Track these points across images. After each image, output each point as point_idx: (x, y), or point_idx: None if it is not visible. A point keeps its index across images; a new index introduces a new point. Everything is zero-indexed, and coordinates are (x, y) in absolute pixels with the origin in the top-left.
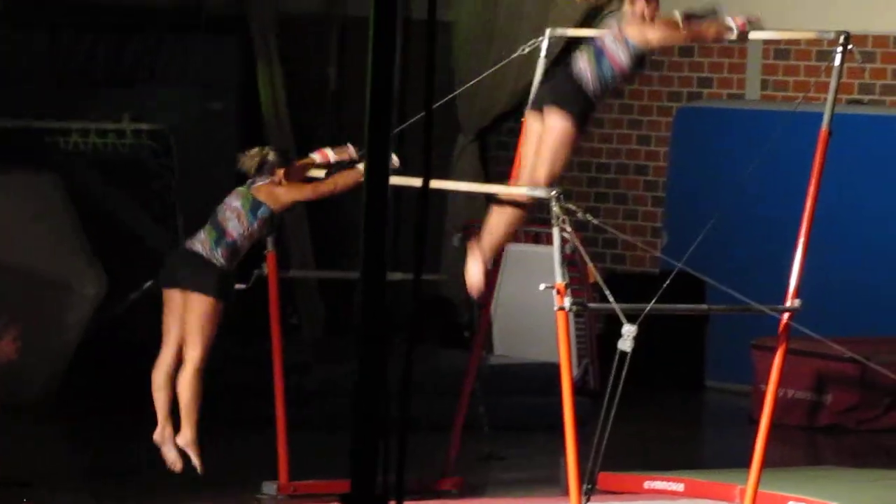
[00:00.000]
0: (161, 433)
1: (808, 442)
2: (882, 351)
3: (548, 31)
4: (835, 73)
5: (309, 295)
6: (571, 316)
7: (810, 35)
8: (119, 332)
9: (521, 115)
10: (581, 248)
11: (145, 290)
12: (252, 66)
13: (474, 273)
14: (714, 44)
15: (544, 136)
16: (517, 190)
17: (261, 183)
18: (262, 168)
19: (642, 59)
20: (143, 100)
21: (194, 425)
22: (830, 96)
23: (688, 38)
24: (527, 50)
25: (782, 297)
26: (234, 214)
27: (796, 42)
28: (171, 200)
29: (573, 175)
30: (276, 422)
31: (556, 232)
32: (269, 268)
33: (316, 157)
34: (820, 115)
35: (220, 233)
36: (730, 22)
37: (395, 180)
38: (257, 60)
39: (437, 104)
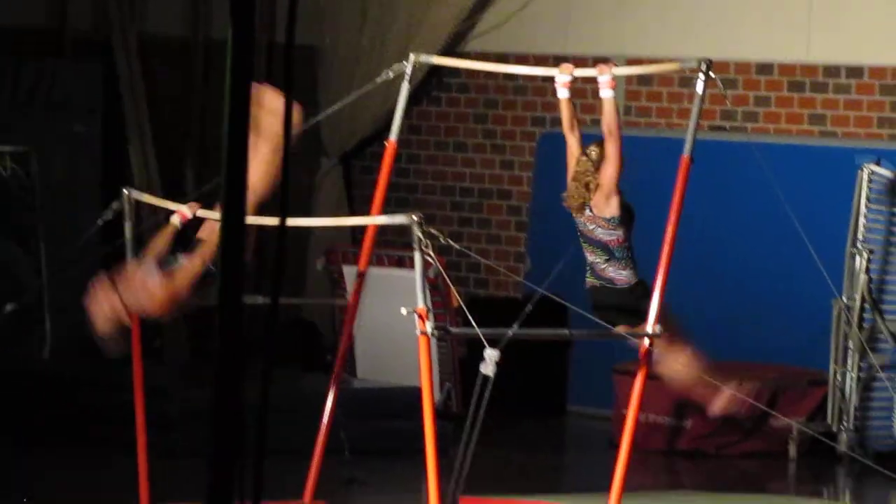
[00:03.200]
0: None
1: (667, 466)
2: (742, 377)
3: (412, 57)
4: (697, 100)
5: (173, 319)
6: (434, 340)
7: (673, 67)
8: None
9: (385, 138)
10: (444, 273)
11: (6, 314)
12: (116, 89)
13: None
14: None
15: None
16: (376, 220)
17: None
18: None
19: None
20: (5, 122)
21: None
22: (692, 123)
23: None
24: (391, 75)
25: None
26: None
27: None
28: (33, 223)
29: (436, 199)
30: (137, 446)
31: (417, 256)
32: None
33: (175, 219)
34: (682, 142)
35: None
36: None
37: (255, 219)
38: (121, 83)
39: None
